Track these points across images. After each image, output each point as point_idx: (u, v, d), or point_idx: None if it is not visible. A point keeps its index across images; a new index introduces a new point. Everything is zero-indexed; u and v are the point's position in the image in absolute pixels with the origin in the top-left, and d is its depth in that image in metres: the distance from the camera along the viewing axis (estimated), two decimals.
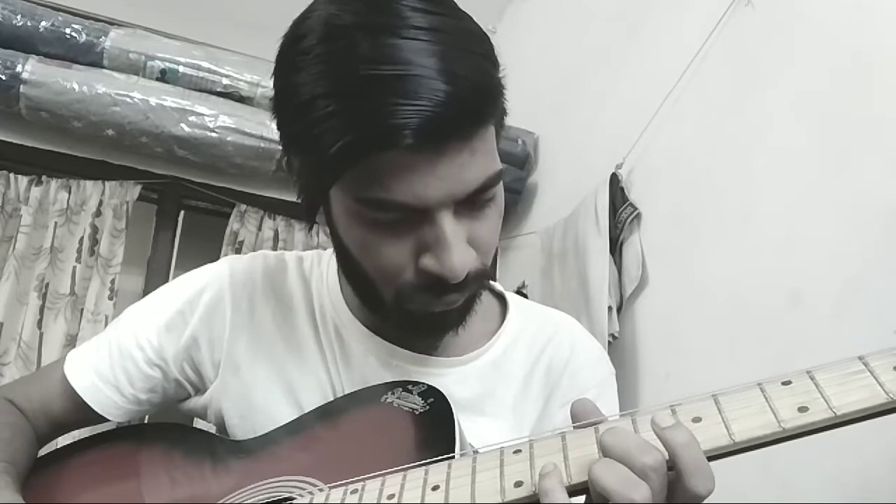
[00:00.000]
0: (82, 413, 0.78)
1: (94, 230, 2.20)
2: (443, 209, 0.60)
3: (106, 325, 1.72)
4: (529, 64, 2.49)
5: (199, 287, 0.78)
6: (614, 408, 0.79)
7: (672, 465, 0.48)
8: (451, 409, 0.63)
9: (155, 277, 2.31)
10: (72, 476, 0.76)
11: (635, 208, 1.80)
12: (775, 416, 0.48)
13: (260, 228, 2.41)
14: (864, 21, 1.26)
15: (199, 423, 1.19)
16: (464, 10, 0.63)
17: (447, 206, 0.60)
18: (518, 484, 0.51)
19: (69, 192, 2.20)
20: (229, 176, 2.36)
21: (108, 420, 0.79)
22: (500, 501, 0.51)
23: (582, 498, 0.50)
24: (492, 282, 0.81)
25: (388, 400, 0.67)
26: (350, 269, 0.69)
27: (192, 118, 2.16)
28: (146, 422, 1.03)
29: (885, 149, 1.17)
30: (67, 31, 2.10)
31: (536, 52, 2.54)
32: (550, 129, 2.42)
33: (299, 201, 0.67)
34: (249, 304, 0.78)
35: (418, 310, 0.66)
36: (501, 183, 0.64)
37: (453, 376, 0.74)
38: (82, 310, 2.14)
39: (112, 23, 2.26)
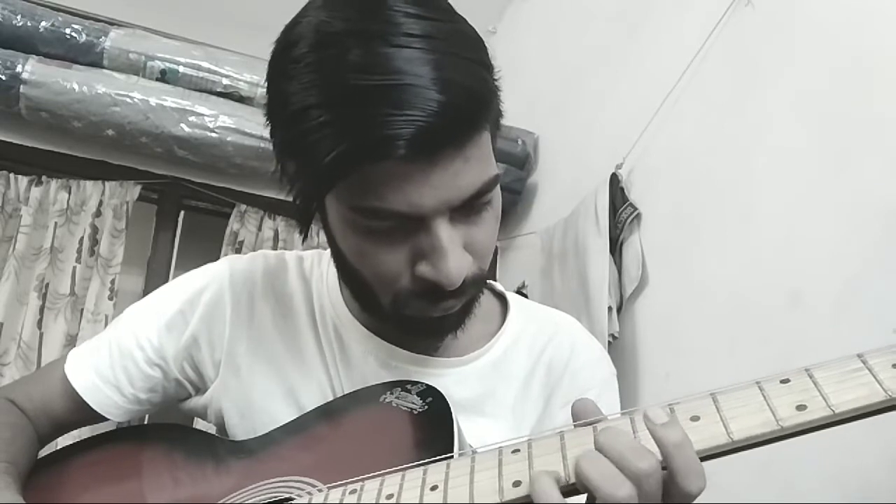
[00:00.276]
0: (83, 413, 0.78)
1: (94, 230, 2.20)
2: (438, 216, 0.59)
3: (106, 325, 1.72)
4: (529, 64, 2.49)
5: (199, 287, 0.78)
6: (615, 408, 0.79)
7: (665, 465, 0.48)
8: (449, 408, 0.63)
9: (155, 277, 2.31)
10: (73, 476, 0.76)
11: (635, 208, 1.80)
12: (773, 415, 0.48)
13: (260, 228, 2.41)
14: (864, 21, 1.26)
15: (199, 423, 1.20)
16: (463, 10, 0.63)
17: (442, 214, 0.59)
18: (516, 483, 0.51)
19: (69, 193, 2.20)
20: (229, 176, 2.36)
21: (108, 420, 0.79)
22: (499, 501, 0.51)
23: (582, 498, 0.50)
24: (492, 282, 0.81)
25: (387, 400, 0.67)
26: (347, 274, 0.68)
27: (192, 118, 2.16)
28: (146, 422, 1.03)
29: (885, 149, 1.17)
30: (67, 31, 2.10)
31: (536, 52, 2.54)
32: (550, 129, 2.42)
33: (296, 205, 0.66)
34: (249, 304, 0.78)
35: (416, 315, 0.65)
36: (498, 186, 0.64)
37: (453, 377, 0.74)
38: (82, 310, 2.14)
39: (112, 23, 2.26)
